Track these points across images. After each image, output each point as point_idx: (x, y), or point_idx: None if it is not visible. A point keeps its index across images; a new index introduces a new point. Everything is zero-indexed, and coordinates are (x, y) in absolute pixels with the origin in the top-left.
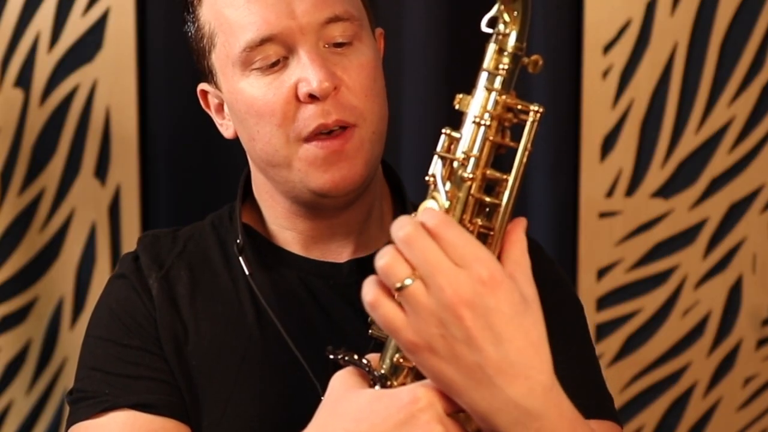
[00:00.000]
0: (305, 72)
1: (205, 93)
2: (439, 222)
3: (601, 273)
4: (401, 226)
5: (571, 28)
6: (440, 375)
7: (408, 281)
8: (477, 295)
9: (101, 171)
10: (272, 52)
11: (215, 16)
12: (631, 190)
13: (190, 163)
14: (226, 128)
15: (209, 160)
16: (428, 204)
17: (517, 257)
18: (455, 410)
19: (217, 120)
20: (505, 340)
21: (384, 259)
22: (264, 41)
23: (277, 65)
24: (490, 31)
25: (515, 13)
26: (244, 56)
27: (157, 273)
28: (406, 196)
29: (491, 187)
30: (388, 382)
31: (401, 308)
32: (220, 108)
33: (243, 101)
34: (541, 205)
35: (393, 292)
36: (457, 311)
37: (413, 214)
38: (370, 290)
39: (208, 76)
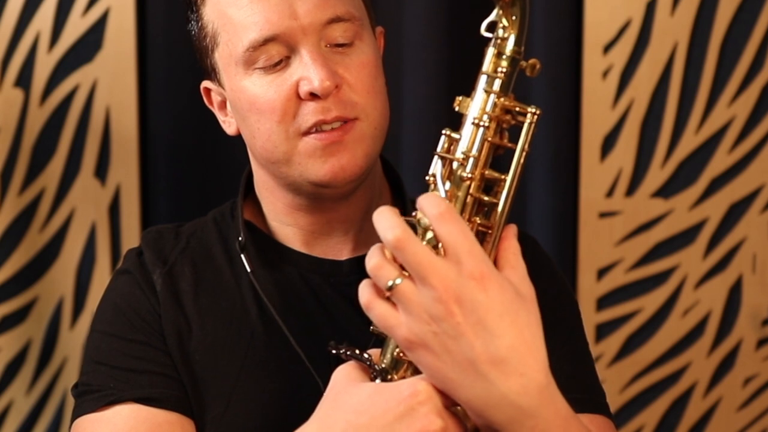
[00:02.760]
0: (307, 71)
1: (208, 90)
2: (438, 213)
3: (601, 273)
4: (390, 228)
5: (571, 28)
6: (435, 371)
7: (398, 280)
8: (466, 290)
9: (101, 171)
10: (275, 51)
11: (218, 16)
12: (631, 190)
13: (190, 163)
14: (229, 125)
15: (209, 160)
16: None
17: (512, 262)
18: (454, 404)
19: (219, 117)
20: (496, 335)
21: (372, 260)
22: (267, 41)
23: (279, 65)
24: (489, 35)
25: (514, 17)
26: (247, 56)
27: (161, 269)
28: (406, 194)
29: (490, 186)
30: (389, 376)
31: (395, 307)
32: (222, 105)
33: (245, 99)
34: (542, 205)
35: (385, 292)
36: (447, 307)
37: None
38: (364, 292)
39: (211, 73)
